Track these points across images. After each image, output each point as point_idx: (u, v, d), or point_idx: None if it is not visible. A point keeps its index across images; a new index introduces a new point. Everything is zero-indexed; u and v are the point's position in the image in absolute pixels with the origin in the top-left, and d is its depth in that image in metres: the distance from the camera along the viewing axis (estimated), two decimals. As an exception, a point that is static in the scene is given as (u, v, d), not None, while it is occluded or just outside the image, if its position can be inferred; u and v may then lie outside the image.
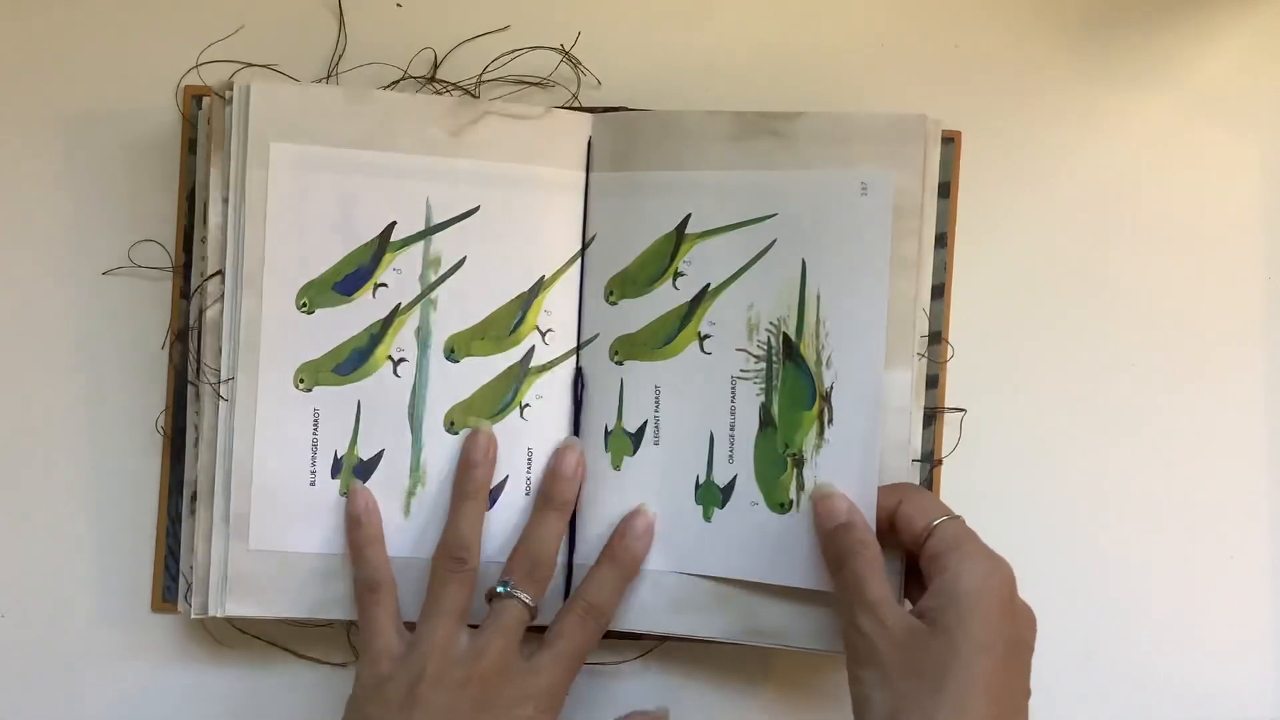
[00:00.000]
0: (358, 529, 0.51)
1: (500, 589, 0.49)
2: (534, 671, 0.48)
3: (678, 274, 0.52)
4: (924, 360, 0.52)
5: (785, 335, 0.50)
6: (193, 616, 0.51)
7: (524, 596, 0.49)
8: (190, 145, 0.54)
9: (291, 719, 0.55)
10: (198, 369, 0.51)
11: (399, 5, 0.56)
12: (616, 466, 0.52)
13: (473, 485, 0.51)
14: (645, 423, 0.52)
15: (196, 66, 0.54)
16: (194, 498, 0.51)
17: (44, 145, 0.55)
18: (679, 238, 0.52)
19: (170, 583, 0.54)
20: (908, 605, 0.48)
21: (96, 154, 0.55)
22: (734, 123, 0.51)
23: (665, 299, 0.52)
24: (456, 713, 0.46)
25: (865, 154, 0.49)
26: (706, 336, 0.52)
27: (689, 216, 0.51)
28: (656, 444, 0.52)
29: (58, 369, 0.55)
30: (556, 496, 0.51)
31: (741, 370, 0.51)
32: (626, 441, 0.52)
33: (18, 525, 0.55)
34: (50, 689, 0.55)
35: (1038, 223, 0.57)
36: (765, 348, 0.51)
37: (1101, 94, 0.57)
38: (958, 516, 0.47)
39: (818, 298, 0.50)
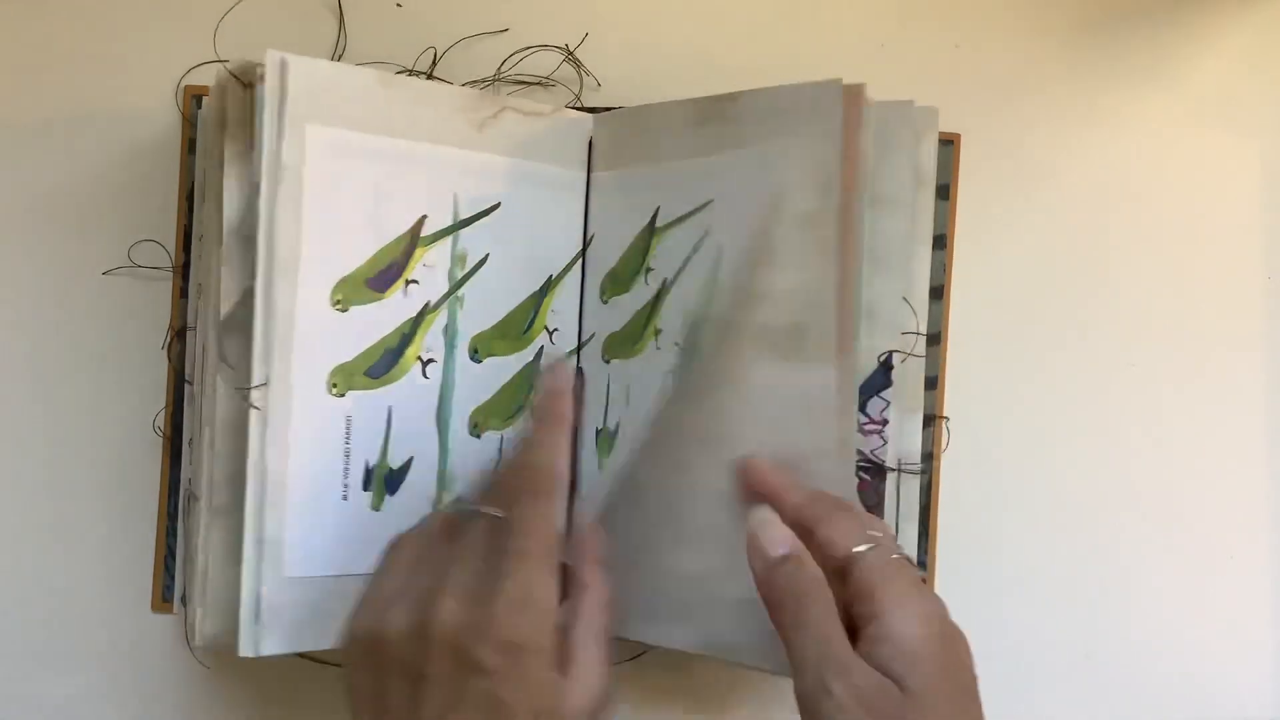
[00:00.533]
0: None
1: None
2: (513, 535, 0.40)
3: (648, 270, 0.50)
4: (907, 359, 0.51)
5: (695, 328, 0.47)
6: (206, 654, 0.44)
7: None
8: (190, 145, 0.54)
9: (293, 719, 0.55)
10: (201, 370, 0.51)
11: (399, 5, 0.56)
12: (600, 469, 0.50)
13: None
14: (619, 423, 0.50)
15: (196, 67, 0.54)
16: (190, 499, 0.50)
17: (44, 145, 0.55)
18: (650, 232, 0.50)
19: (170, 582, 0.54)
20: None
21: (96, 154, 0.55)
22: (693, 110, 0.48)
23: (640, 295, 0.50)
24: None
25: (786, 128, 0.45)
26: (659, 332, 0.49)
27: (658, 210, 0.49)
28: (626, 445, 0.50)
29: (58, 369, 0.55)
30: (549, 412, 0.45)
31: (672, 366, 0.48)
32: (608, 443, 0.50)
33: (17, 525, 0.55)
34: (50, 688, 0.55)
35: (1037, 223, 0.57)
36: (685, 342, 0.48)
37: (1101, 94, 0.57)
38: (881, 543, 0.41)
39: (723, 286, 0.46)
